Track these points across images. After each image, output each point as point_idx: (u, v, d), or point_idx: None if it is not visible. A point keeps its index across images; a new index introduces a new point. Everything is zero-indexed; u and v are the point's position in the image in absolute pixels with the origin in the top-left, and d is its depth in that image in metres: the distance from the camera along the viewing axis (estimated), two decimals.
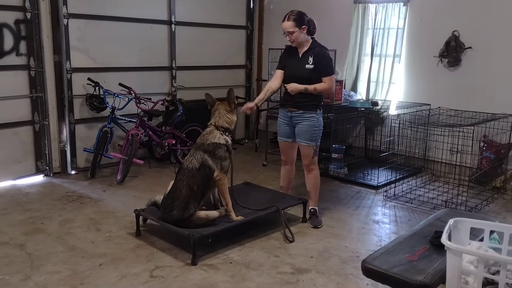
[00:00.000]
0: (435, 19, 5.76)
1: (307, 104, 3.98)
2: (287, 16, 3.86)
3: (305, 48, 3.97)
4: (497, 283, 1.93)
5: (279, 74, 4.09)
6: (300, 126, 4.04)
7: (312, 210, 4.24)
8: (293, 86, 3.93)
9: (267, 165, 6.24)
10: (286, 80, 4.05)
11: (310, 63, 3.90)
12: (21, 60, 5.16)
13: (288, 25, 3.84)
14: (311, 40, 3.99)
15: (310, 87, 3.88)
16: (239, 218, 3.72)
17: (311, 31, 3.96)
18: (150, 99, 5.76)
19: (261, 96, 4.03)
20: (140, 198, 4.65)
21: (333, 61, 4.00)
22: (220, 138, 3.70)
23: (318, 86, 3.89)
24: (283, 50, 4.23)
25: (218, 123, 3.76)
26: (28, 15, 5.11)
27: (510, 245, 2.23)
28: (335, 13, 6.66)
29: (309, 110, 3.99)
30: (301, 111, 4.01)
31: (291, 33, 3.85)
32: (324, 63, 3.91)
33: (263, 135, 6.97)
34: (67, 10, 5.33)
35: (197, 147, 3.68)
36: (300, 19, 3.84)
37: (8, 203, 4.58)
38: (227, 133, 3.76)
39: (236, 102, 3.93)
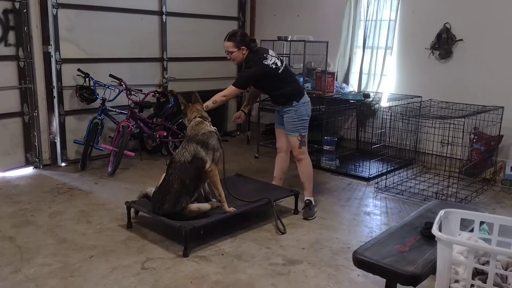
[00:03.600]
0: (426, 11, 5.76)
1: (281, 101, 4.18)
2: (227, 36, 3.99)
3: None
4: (487, 273, 1.95)
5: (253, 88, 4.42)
6: (284, 118, 4.22)
7: (307, 201, 4.26)
8: (207, 106, 4.01)
9: (259, 157, 6.23)
10: (261, 90, 4.40)
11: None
12: (9, 51, 5.09)
13: (228, 45, 3.99)
14: (250, 56, 4.03)
15: (209, 103, 3.97)
16: (232, 209, 3.72)
17: (251, 49, 4.01)
18: (141, 90, 5.72)
19: (246, 102, 4.38)
20: (131, 190, 4.63)
21: (258, 68, 3.99)
22: (211, 127, 3.74)
23: (215, 97, 4.00)
24: None
25: (203, 115, 3.79)
26: (17, 5, 5.03)
27: (499, 236, 2.25)
28: (327, 5, 6.64)
29: (285, 104, 4.15)
30: (281, 106, 4.20)
31: (230, 52, 3.98)
32: (244, 69, 4.09)
33: (255, 127, 6.96)
34: (56, 0, 5.25)
35: (189, 139, 3.66)
36: (240, 40, 3.95)
37: None
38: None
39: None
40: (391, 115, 5.28)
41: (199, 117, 3.76)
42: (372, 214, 4.38)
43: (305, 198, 4.28)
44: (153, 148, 6.12)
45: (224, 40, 3.98)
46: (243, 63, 4.09)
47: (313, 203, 4.29)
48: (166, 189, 3.54)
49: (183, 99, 3.85)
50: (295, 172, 4.34)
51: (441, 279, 2.04)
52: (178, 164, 3.56)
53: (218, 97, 4.01)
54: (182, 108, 3.84)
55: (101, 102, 5.41)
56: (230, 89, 4.02)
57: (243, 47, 3.95)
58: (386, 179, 5.07)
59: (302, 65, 5.91)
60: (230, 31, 4.02)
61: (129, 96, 5.58)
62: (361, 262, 2.40)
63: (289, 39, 6.05)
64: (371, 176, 5.33)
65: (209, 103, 3.97)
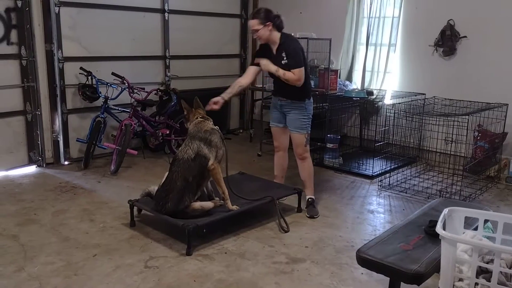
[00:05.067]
0: (430, 8, 5.73)
1: (295, 95, 4.03)
2: (252, 14, 3.94)
3: (277, 45, 3.98)
4: (491, 272, 1.93)
5: (251, 70, 4.13)
6: (289, 115, 4.11)
7: (309, 200, 4.25)
8: (266, 65, 3.95)
9: (262, 155, 6.22)
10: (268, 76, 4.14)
11: (285, 58, 3.94)
12: (12, 49, 5.09)
13: (253, 23, 3.90)
14: (279, 35, 3.98)
15: (281, 70, 3.90)
16: (235, 207, 3.71)
17: (278, 26, 3.96)
18: (143, 88, 5.72)
19: (229, 90, 4.03)
20: (134, 188, 4.63)
21: (304, 52, 4.04)
22: (213, 125, 3.73)
23: (287, 73, 3.90)
24: (258, 47, 4.23)
25: (204, 116, 3.80)
26: (19, 3, 5.03)
27: (503, 234, 2.24)
28: (330, 2, 6.62)
29: (297, 99, 4.05)
30: (289, 101, 4.08)
31: (256, 30, 3.90)
32: (293, 55, 3.93)
33: (258, 125, 6.95)
34: None
35: (192, 136, 3.65)
36: (265, 16, 3.89)
37: (0, 194, 4.55)
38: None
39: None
40: (394, 113, 5.26)
41: (200, 117, 3.76)
42: (376, 212, 4.37)
43: (308, 197, 4.27)
44: (156, 146, 6.12)
45: (249, 19, 3.91)
46: (274, 43, 3.95)
47: (315, 201, 4.28)
48: (169, 187, 3.53)
49: (186, 104, 3.85)
50: (297, 171, 4.32)
51: (445, 278, 2.03)
52: (181, 161, 3.56)
53: (289, 76, 3.86)
54: (185, 113, 3.84)
55: (103, 100, 5.41)
56: (298, 72, 3.85)
57: (268, 23, 3.86)
58: (390, 177, 5.05)
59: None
60: (254, 10, 3.94)
61: (131, 94, 5.58)
62: (364, 260, 2.39)
63: None
64: (375, 174, 5.31)
65: (280, 72, 3.86)
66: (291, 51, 3.90)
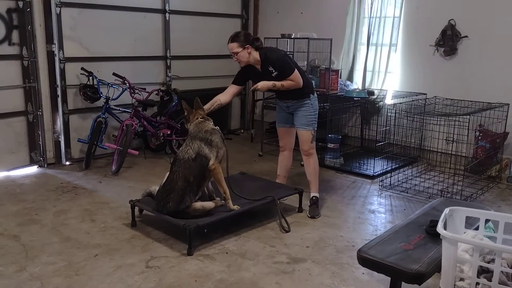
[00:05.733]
0: (431, 7, 5.72)
1: (298, 94, 4.08)
2: (230, 38, 3.95)
3: (260, 62, 4.00)
4: (492, 272, 1.93)
5: (232, 89, 4.15)
6: (297, 113, 4.15)
7: (314, 198, 4.25)
8: (262, 84, 3.96)
9: (263, 155, 6.22)
10: (275, 91, 4.12)
11: (274, 71, 3.95)
12: (13, 50, 5.10)
13: (232, 46, 3.93)
14: (258, 53, 3.99)
15: (278, 83, 3.94)
16: (236, 207, 3.71)
17: (257, 47, 3.98)
18: (144, 89, 5.72)
19: (207, 106, 4.02)
20: (135, 188, 4.63)
21: (287, 55, 4.09)
22: (213, 126, 3.74)
23: (285, 83, 3.95)
24: (240, 70, 4.23)
25: (205, 117, 3.80)
26: (20, 4, 5.04)
27: (505, 233, 2.24)
28: (331, 2, 6.62)
29: (303, 98, 4.09)
30: (295, 101, 4.12)
31: (236, 53, 3.93)
32: (280, 64, 3.96)
33: (259, 125, 6.95)
34: None
35: (192, 136, 3.66)
36: (244, 39, 3.92)
37: (2, 194, 4.55)
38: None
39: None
40: (395, 113, 5.26)
41: (201, 118, 3.76)
42: (377, 212, 4.37)
43: (312, 195, 4.27)
44: (157, 147, 6.13)
45: (228, 43, 3.95)
46: (256, 63, 3.99)
47: (319, 200, 4.28)
48: (170, 187, 3.54)
49: (187, 105, 3.86)
50: (298, 170, 4.33)
51: (446, 277, 2.03)
52: (181, 161, 3.56)
53: (288, 84, 3.93)
54: (186, 114, 3.85)
55: (104, 100, 5.42)
56: (294, 77, 3.91)
57: (247, 45, 3.92)
58: (391, 177, 5.05)
59: (306, 62, 5.89)
60: (232, 33, 3.98)
61: (132, 94, 5.58)
62: (365, 260, 2.39)
63: (292, 37, 6.04)
64: (376, 174, 5.31)
65: (278, 84, 3.91)
66: (275, 62, 3.95)
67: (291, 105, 4.15)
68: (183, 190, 3.50)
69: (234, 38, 3.94)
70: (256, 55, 3.97)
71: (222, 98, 4.09)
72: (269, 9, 7.41)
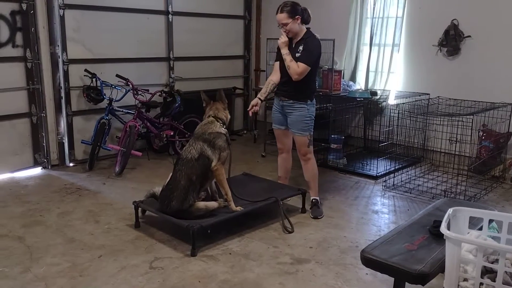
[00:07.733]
0: (434, 7, 5.71)
1: (297, 94, 4.02)
2: (279, 8, 3.88)
3: (298, 38, 3.97)
4: (496, 272, 1.93)
5: (277, 66, 4.11)
6: (291, 117, 4.09)
7: (313, 201, 4.24)
8: (282, 43, 3.94)
9: (266, 156, 6.23)
10: (281, 70, 4.05)
11: (299, 51, 3.91)
12: (17, 52, 5.12)
13: (282, 17, 3.86)
14: (305, 30, 3.98)
15: (289, 56, 3.89)
16: (238, 208, 3.72)
17: (305, 20, 3.95)
18: (147, 90, 5.73)
19: (263, 90, 4.05)
20: (139, 189, 4.64)
21: (319, 57, 4.05)
22: (220, 128, 3.72)
23: (293, 62, 3.88)
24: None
25: (218, 115, 3.78)
26: (24, 6, 5.06)
27: (508, 234, 2.23)
28: (334, 2, 6.62)
29: (299, 100, 4.03)
30: (291, 101, 4.05)
31: (285, 24, 3.86)
32: (308, 52, 3.90)
33: (261, 126, 6.95)
34: (63, 1, 5.28)
35: (196, 137, 3.67)
36: (293, 9, 3.85)
37: (6, 196, 4.58)
38: (224, 126, 3.78)
39: (227, 101, 3.96)
40: (398, 113, 5.25)
41: (212, 116, 3.76)
42: (380, 212, 4.36)
43: (312, 198, 4.26)
44: (160, 148, 6.13)
45: (277, 12, 3.86)
46: (296, 38, 3.92)
47: (320, 202, 4.28)
48: (173, 186, 3.55)
49: (206, 96, 3.85)
50: (301, 171, 4.32)
51: (449, 278, 2.03)
52: (185, 161, 3.58)
53: (292, 64, 3.86)
54: (204, 105, 3.84)
55: (108, 102, 5.43)
56: (303, 67, 3.83)
57: (297, 16, 3.84)
58: (394, 177, 5.04)
59: None
60: (281, 3, 3.88)
61: (136, 96, 5.59)
62: (369, 260, 2.39)
63: None
64: (379, 174, 5.30)
65: (288, 57, 3.88)
66: (308, 48, 3.89)
67: (287, 105, 4.07)
68: (186, 189, 3.51)
69: (283, 9, 3.84)
70: (303, 29, 3.92)
71: (274, 78, 4.06)
72: (271, 9, 7.32)
